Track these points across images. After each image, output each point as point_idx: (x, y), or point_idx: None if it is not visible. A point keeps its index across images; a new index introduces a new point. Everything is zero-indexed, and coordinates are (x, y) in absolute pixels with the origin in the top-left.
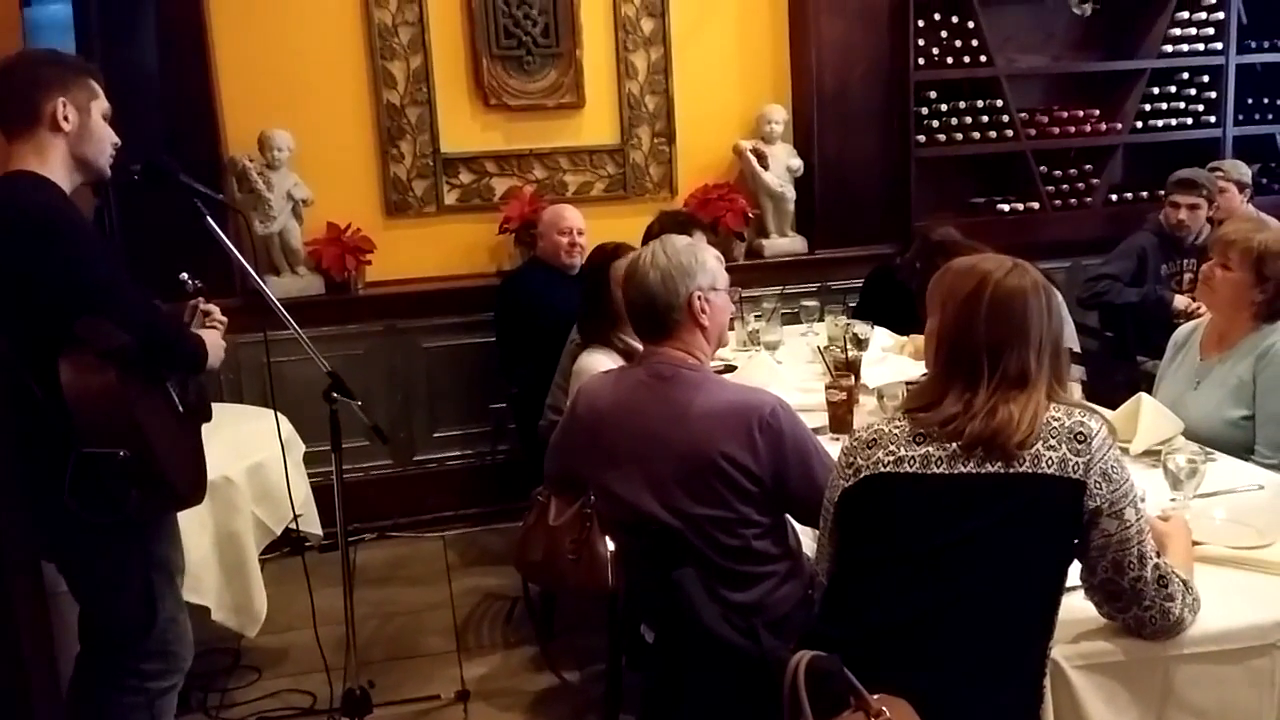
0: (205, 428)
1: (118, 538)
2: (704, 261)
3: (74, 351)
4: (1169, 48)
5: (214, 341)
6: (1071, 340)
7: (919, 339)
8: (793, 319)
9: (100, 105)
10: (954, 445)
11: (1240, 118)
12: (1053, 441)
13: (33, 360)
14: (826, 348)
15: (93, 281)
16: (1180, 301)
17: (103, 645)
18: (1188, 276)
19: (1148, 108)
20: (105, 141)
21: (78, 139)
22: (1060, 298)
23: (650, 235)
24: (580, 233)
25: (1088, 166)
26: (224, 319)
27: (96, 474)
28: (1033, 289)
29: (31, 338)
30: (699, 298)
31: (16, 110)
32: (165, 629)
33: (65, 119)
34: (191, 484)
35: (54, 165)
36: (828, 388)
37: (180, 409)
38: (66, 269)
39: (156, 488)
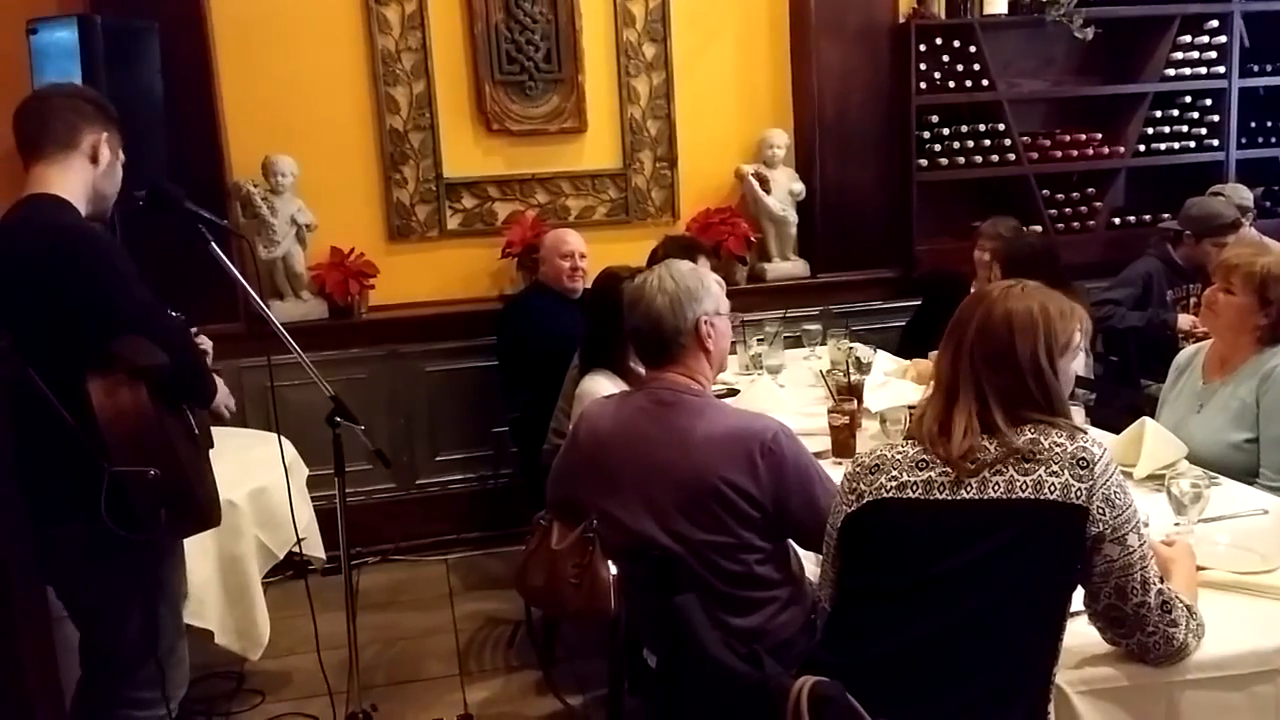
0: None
1: (129, 562)
2: (709, 286)
3: (102, 371)
4: (1171, 71)
5: (223, 386)
6: (1082, 367)
7: (921, 363)
8: (795, 343)
9: (122, 154)
10: (954, 471)
11: (1243, 141)
12: (1055, 467)
13: (60, 383)
14: (829, 371)
15: (134, 302)
16: (1185, 321)
17: (104, 671)
18: (1193, 301)
19: (1150, 131)
20: (118, 185)
21: (104, 175)
22: (1074, 324)
23: (655, 259)
24: (582, 256)
25: (1090, 190)
26: (210, 341)
27: (127, 492)
28: (1026, 312)
29: (60, 361)
30: (705, 322)
31: (58, 132)
32: (163, 657)
33: (102, 154)
34: (214, 503)
35: (75, 192)
36: (830, 412)
37: (195, 432)
38: (109, 290)
39: (185, 506)
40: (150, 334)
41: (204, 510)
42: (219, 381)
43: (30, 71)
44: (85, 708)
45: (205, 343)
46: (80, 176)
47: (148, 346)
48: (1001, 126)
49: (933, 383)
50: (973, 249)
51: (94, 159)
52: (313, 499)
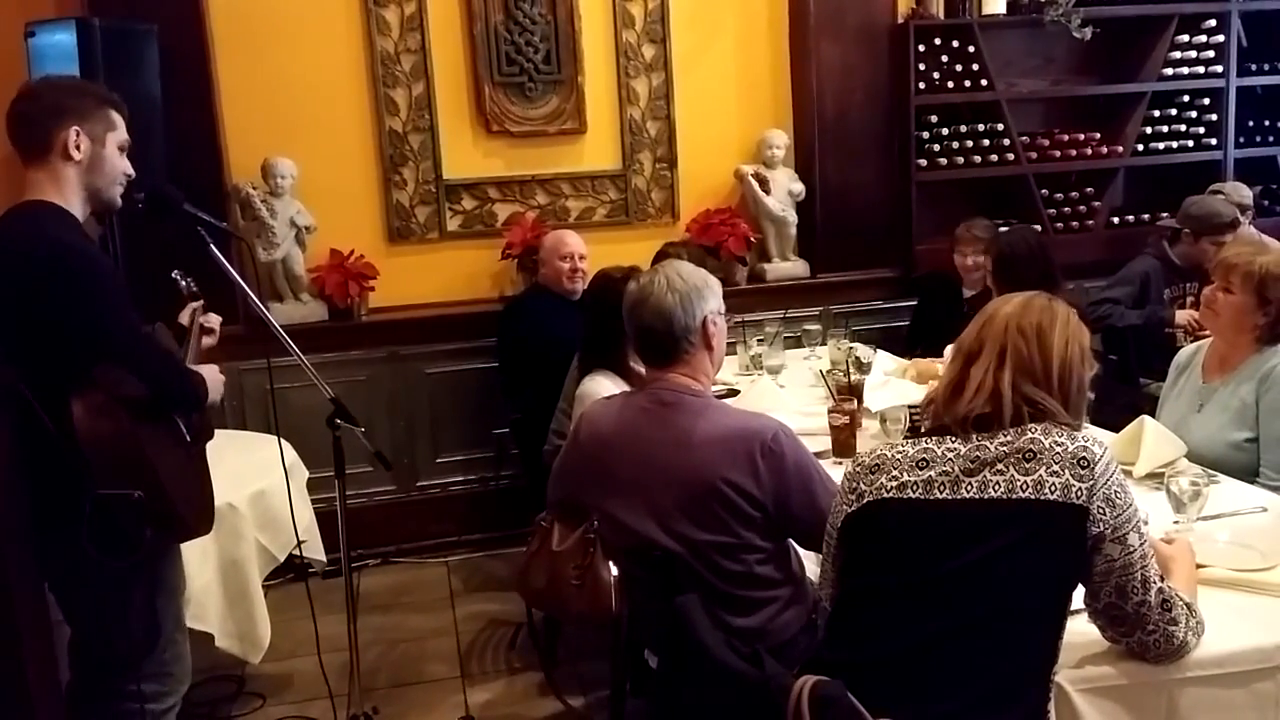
0: (209, 454)
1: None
2: (712, 285)
3: (86, 392)
4: (1169, 70)
5: (214, 378)
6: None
7: (921, 362)
8: (795, 343)
9: (117, 137)
10: (956, 470)
11: (1241, 140)
12: (1056, 467)
13: (44, 395)
14: (829, 371)
15: (117, 331)
16: (1181, 316)
17: (100, 670)
18: (1190, 300)
19: (1149, 130)
20: (118, 173)
21: (88, 170)
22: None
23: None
24: (582, 258)
25: (1089, 189)
26: (218, 317)
27: (111, 514)
28: (1067, 310)
29: (45, 373)
30: (710, 321)
31: (32, 137)
32: (164, 650)
33: (77, 148)
34: (200, 515)
35: (69, 195)
36: (830, 411)
37: (187, 438)
38: (94, 317)
39: (170, 524)
40: (134, 365)
41: (189, 525)
42: (212, 370)
43: (28, 75)
44: (82, 706)
45: (213, 320)
46: (67, 178)
47: (127, 376)
48: (1000, 126)
49: (948, 358)
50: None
51: (68, 156)
52: (313, 501)
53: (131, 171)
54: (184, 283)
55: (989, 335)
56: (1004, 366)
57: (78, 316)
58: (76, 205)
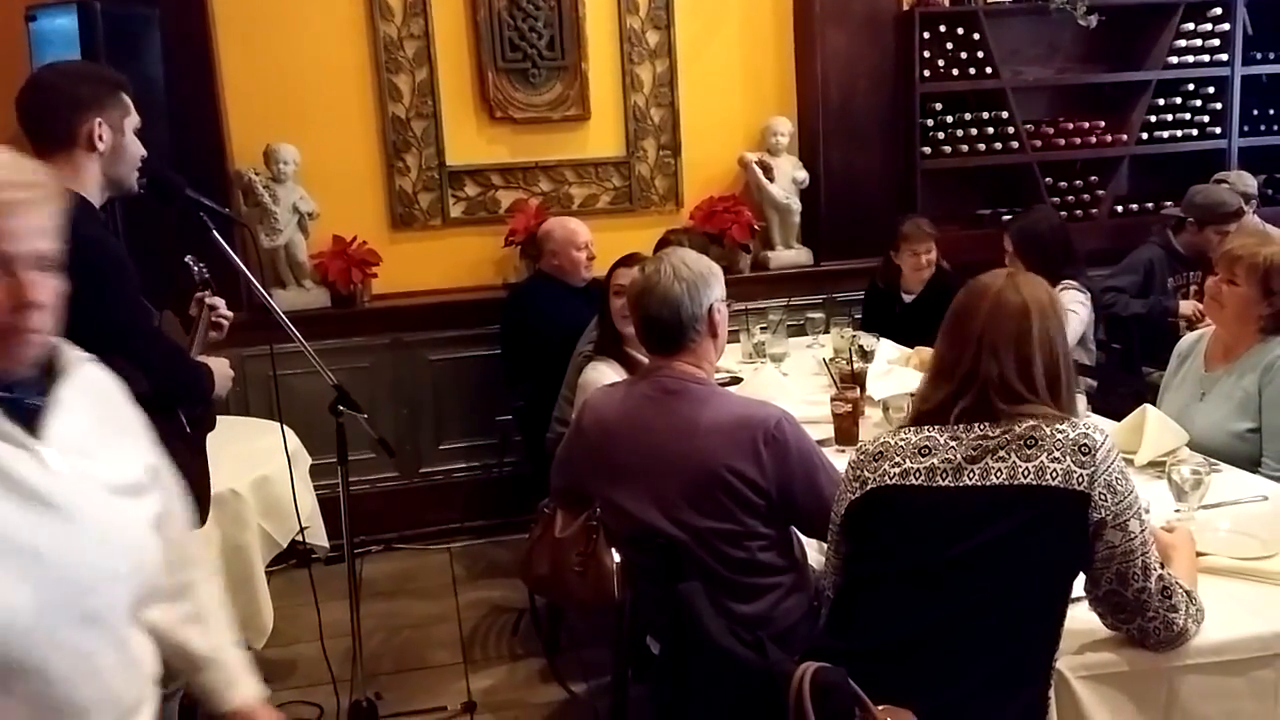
0: (212, 441)
1: None
2: (716, 272)
3: None
4: (1174, 59)
5: (221, 371)
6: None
7: (925, 351)
8: (798, 331)
9: (132, 121)
10: (958, 458)
11: (1246, 129)
12: (1057, 453)
13: None
14: (832, 360)
15: (131, 328)
16: (1186, 307)
17: None
18: (1194, 288)
19: (1153, 119)
20: (135, 158)
21: (111, 159)
22: (1067, 318)
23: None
24: (592, 245)
25: (1093, 178)
26: (229, 314)
27: None
28: (1036, 299)
29: None
30: (716, 309)
31: (51, 129)
32: None
33: (100, 139)
34: (200, 511)
35: (89, 185)
36: (833, 400)
37: (188, 429)
38: (110, 312)
39: None
40: (144, 361)
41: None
42: (222, 364)
43: (30, 59)
44: None
45: (220, 306)
46: (87, 168)
47: (137, 374)
48: (1005, 114)
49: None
50: (966, 240)
51: (92, 147)
52: (316, 488)
53: (144, 152)
54: (197, 268)
55: (966, 356)
56: (979, 383)
57: (93, 311)
58: (95, 194)
